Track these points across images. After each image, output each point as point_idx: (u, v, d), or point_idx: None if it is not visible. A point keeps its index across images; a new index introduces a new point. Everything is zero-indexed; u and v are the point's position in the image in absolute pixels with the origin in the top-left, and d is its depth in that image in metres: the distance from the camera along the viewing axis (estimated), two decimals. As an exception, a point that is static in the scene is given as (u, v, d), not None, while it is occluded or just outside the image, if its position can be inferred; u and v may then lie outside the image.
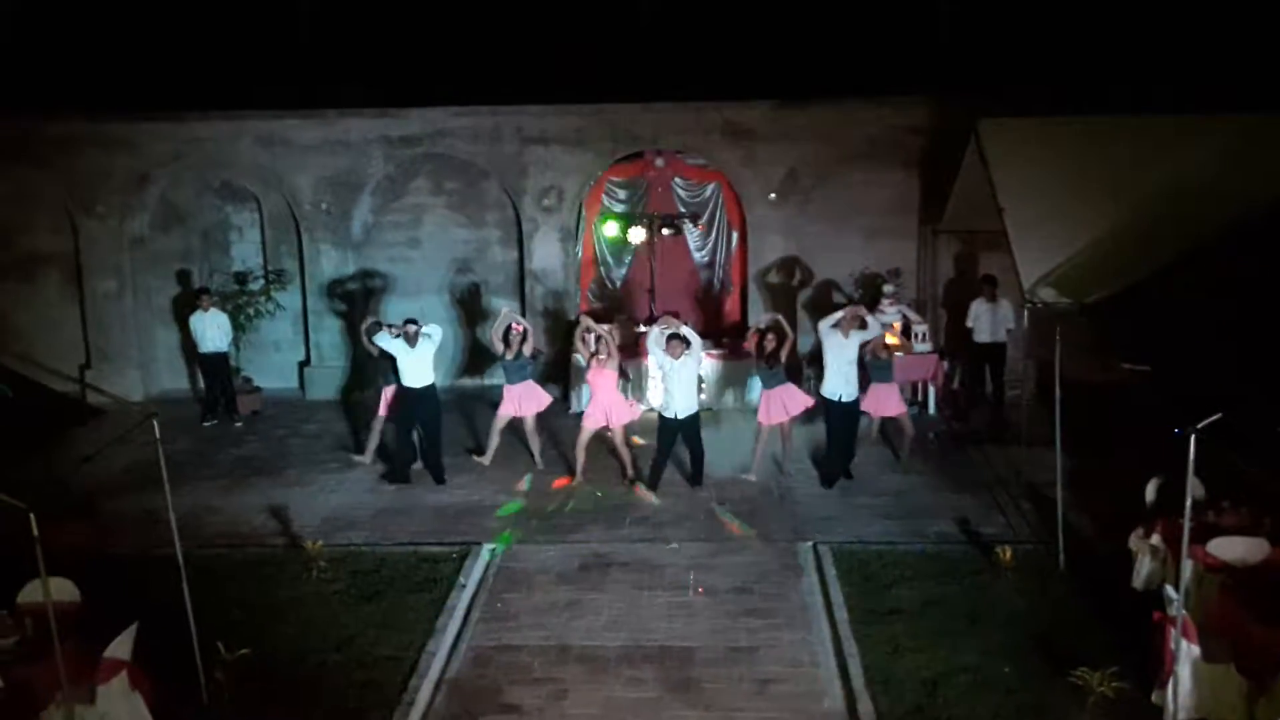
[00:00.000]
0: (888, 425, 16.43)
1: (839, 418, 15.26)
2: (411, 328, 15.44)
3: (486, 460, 16.17)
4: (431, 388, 15.73)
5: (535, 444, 16.27)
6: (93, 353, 20.54)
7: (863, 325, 15.09)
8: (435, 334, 15.72)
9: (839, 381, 15.09)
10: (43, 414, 18.65)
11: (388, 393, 16.06)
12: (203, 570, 11.31)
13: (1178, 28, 18.26)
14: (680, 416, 15.05)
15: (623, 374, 16.31)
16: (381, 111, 19.77)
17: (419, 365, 15.52)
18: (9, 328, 20.46)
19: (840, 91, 19.09)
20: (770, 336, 15.48)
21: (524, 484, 15.67)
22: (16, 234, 20.55)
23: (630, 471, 15.57)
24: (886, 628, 11.37)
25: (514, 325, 16.13)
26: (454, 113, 19.72)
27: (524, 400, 15.97)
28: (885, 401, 15.80)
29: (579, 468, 15.68)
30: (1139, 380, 10.80)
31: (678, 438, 15.25)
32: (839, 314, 15.14)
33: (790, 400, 15.43)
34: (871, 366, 15.70)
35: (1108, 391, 16.15)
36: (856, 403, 15.37)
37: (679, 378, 14.96)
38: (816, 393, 15.63)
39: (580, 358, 16.36)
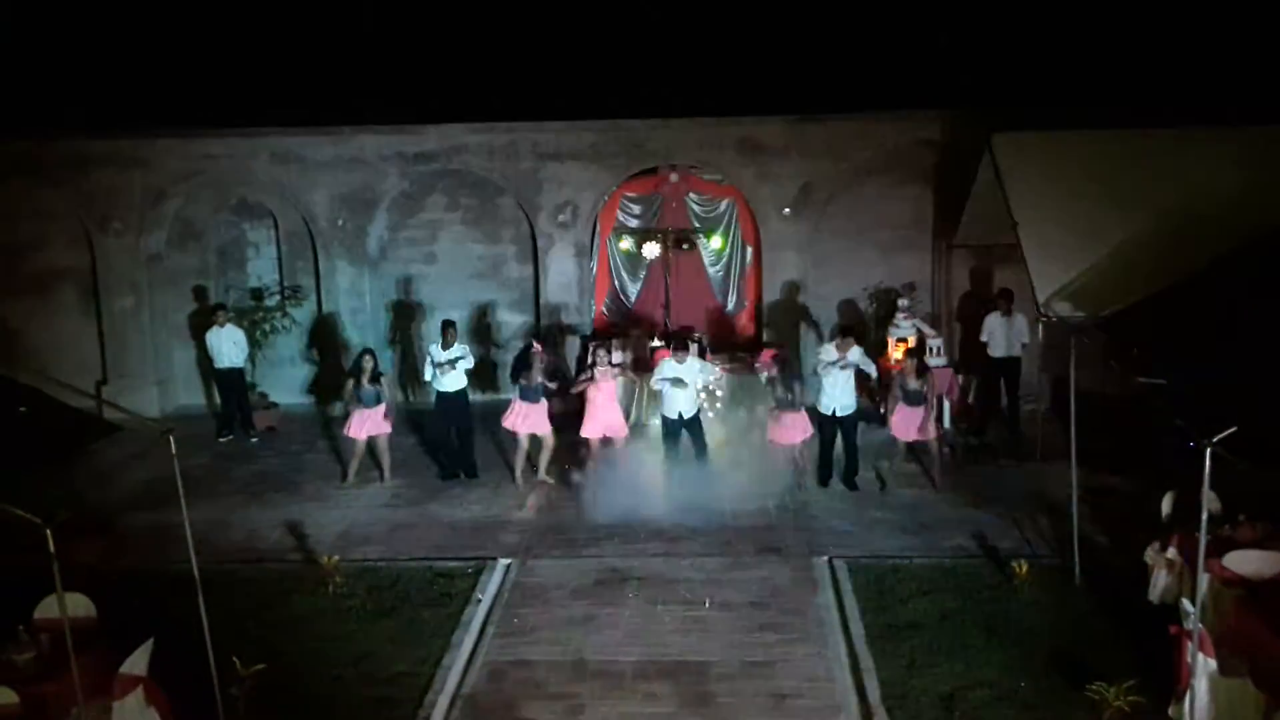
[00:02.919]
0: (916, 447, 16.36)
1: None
2: (452, 340, 16.35)
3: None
4: (464, 393, 16.61)
5: (520, 461, 16.51)
6: (109, 369, 20.62)
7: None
8: (468, 359, 16.49)
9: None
10: (59, 430, 18.67)
11: (361, 413, 16.25)
12: (219, 586, 11.31)
13: (1192, 41, 18.25)
14: (685, 417, 15.81)
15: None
16: (397, 128, 19.85)
17: (452, 373, 16.25)
18: (27, 344, 20.53)
19: (855, 106, 19.12)
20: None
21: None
22: (34, 251, 20.67)
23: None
24: (902, 642, 11.35)
25: (535, 347, 16.52)
26: (470, 129, 19.78)
27: (533, 419, 16.19)
28: (909, 425, 15.80)
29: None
30: (1154, 394, 10.77)
31: (681, 433, 15.96)
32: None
33: (798, 426, 15.72)
34: (902, 390, 15.74)
35: (1123, 405, 16.09)
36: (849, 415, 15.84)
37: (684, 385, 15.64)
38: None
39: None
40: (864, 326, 19.13)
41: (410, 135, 19.89)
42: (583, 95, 19.53)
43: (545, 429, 16.23)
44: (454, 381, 16.42)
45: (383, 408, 16.31)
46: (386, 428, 16.38)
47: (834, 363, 15.62)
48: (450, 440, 16.84)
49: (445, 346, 16.31)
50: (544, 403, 16.24)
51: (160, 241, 20.76)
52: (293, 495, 16.25)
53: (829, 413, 15.82)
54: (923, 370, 15.78)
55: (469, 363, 16.54)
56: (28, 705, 8.80)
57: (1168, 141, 14.36)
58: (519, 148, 19.82)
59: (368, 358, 16.31)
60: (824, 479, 16.07)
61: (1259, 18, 18.14)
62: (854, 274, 20.20)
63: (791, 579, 13.02)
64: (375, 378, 16.18)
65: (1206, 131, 14.32)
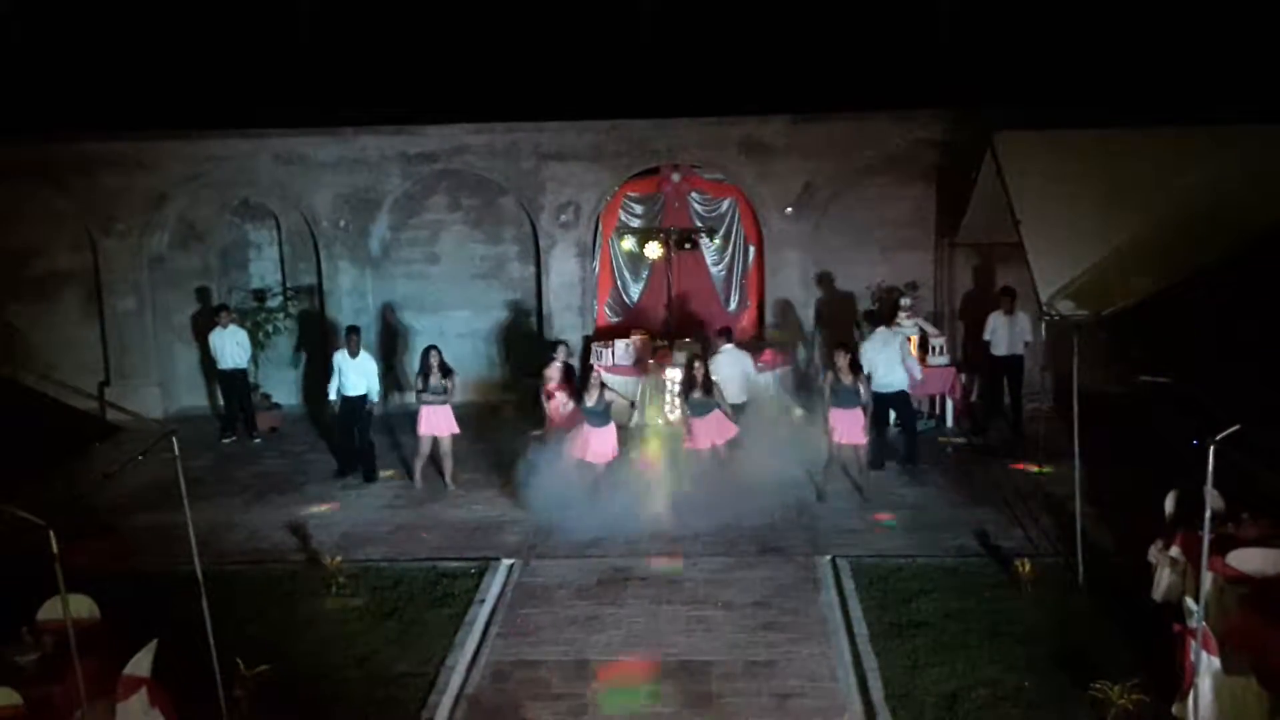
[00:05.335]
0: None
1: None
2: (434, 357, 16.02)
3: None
4: (365, 397, 16.74)
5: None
6: (112, 370, 20.61)
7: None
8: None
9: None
10: (63, 431, 18.75)
11: (429, 410, 16.02)
12: (222, 587, 11.32)
13: (1196, 40, 18.24)
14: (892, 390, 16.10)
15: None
16: (399, 129, 19.85)
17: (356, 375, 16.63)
18: (30, 346, 20.56)
19: (857, 105, 19.11)
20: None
21: None
22: (37, 253, 20.67)
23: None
24: (906, 642, 11.35)
25: (595, 369, 16.37)
26: (471, 129, 19.78)
27: (606, 443, 15.43)
28: (847, 427, 15.34)
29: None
30: (1157, 392, 10.77)
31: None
32: None
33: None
34: (834, 391, 15.22)
35: (1126, 403, 16.08)
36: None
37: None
38: None
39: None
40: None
41: (412, 136, 19.89)
42: (584, 95, 19.53)
43: (615, 451, 15.55)
44: (359, 385, 16.58)
45: (448, 407, 16.07)
46: (454, 428, 16.12)
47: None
48: (351, 442, 16.92)
49: (353, 354, 16.53)
50: (613, 425, 15.62)
51: (163, 243, 20.76)
52: (295, 496, 16.25)
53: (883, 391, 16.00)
54: (856, 368, 15.21)
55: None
56: (31, 707, 8.80)
57: (1170, 140, 14.34)
58: (521, 148, 19.82)
59: (433, 353, 16.03)
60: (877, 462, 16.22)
61: (1259, 17, 18.11)
62: (856, 273, 20.19)
63: (794, 579, 13.01)
64: (445, 372, 15.96)
65: (1209, 130, 14.29)
